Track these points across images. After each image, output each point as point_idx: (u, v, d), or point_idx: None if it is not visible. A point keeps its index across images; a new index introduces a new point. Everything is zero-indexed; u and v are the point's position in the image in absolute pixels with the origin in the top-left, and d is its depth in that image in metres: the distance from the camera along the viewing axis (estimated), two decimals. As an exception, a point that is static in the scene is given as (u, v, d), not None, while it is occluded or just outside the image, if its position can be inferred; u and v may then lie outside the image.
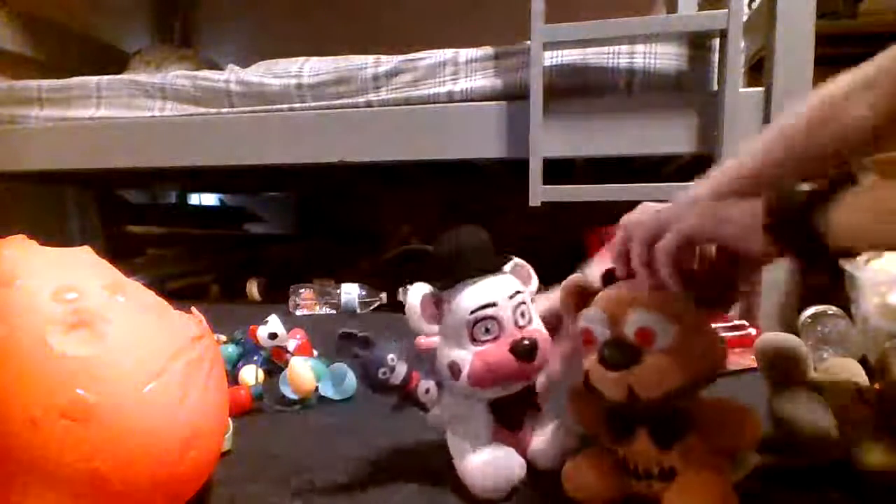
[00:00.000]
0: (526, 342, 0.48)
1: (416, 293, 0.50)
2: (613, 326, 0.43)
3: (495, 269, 0.51)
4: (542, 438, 0.53)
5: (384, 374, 0.49)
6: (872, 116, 0.42)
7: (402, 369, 0.50)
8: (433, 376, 0.52)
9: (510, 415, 0.52)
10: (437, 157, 1.18)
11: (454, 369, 0.49)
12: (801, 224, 0.36)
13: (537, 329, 0.51)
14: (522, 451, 0.52)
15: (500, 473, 0.49)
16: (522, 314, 0.50)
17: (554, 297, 0.55)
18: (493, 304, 0.48)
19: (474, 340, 0.48)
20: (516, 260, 0.53)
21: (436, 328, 0.50)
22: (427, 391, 0.51)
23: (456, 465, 0.51)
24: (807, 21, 0.97)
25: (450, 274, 0.50)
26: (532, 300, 0.52)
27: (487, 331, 0.48)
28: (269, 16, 2.27)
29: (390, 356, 0.49)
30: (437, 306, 0.50)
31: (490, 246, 0.52)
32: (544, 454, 0.52)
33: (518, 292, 0.50)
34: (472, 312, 0.48)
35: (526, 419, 0.53)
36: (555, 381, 0.53)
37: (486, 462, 0.49)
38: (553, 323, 0.54)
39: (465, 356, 0.48)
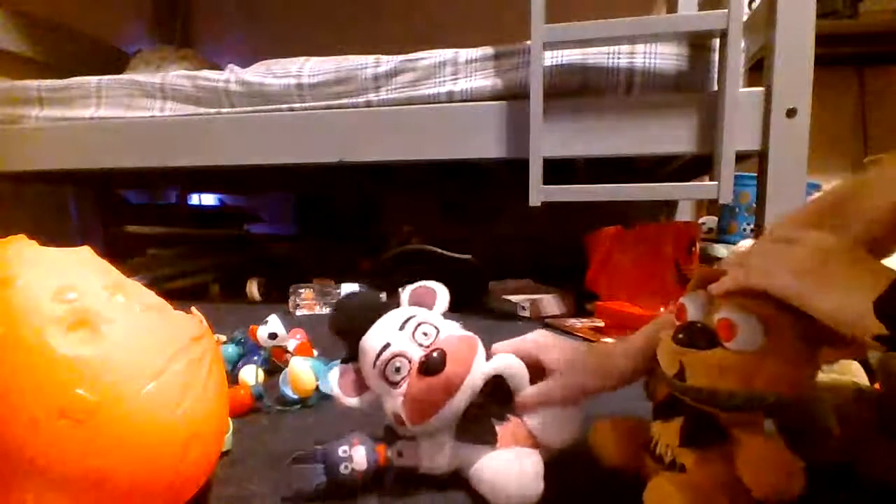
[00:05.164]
0: (429, 358, 0.47)
1: (332, 372, 0.51)
2: (707, 313, 0.43)
3: (382, 311, 0.51)
4: (545, 421, 0.50)
5: (345, 468, 0.47)
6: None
7: (360, 453, 0.47)
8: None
9: (488, 416, 0.49)
10: (437, 157, 1.18)
11: (398, 420, 0.48)
12: None
13: (446, 337, 0.50)
14: (525, 438, 0.50)
15: (527, 472, 0.46)
16: (425, 333, 0.49)
17: (520, 344, 0.53)
18: (388, 345, 0.48)
19: (393, 385, 0.48)
20: (410, 287, 0.54)
21: (355, 400, 0.50)
22: (399, 454, 0.49)
23: (475, 482, 0.48)
24: (807, 21, 0.97)
25: (354, 340, 0.50)
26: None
27: (398, 370, 0.48)
28: (269, 16, 2.26)
29: (341, 449, 0.47)
30: (358, 374, 0.51)
31: (374, 296, 0.54)
32: (556, 435, 0.50)
33: (410, 317, 0.50)
34: (374, 363, 0.48)
35: (506, 409, 0.51)
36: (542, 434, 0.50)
37: (507, 468, 0.46)
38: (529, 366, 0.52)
39: (397, 403, 0.48)
